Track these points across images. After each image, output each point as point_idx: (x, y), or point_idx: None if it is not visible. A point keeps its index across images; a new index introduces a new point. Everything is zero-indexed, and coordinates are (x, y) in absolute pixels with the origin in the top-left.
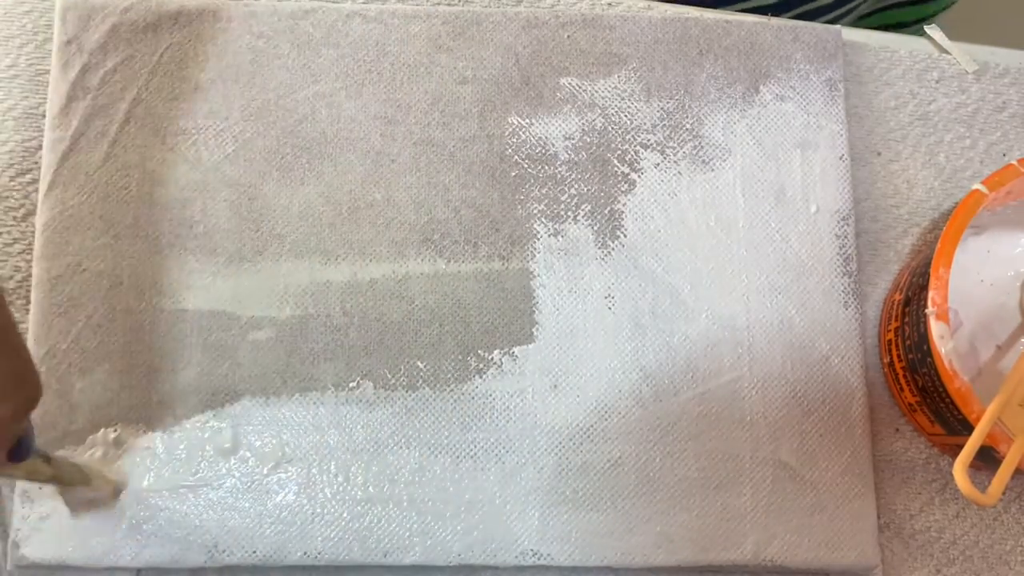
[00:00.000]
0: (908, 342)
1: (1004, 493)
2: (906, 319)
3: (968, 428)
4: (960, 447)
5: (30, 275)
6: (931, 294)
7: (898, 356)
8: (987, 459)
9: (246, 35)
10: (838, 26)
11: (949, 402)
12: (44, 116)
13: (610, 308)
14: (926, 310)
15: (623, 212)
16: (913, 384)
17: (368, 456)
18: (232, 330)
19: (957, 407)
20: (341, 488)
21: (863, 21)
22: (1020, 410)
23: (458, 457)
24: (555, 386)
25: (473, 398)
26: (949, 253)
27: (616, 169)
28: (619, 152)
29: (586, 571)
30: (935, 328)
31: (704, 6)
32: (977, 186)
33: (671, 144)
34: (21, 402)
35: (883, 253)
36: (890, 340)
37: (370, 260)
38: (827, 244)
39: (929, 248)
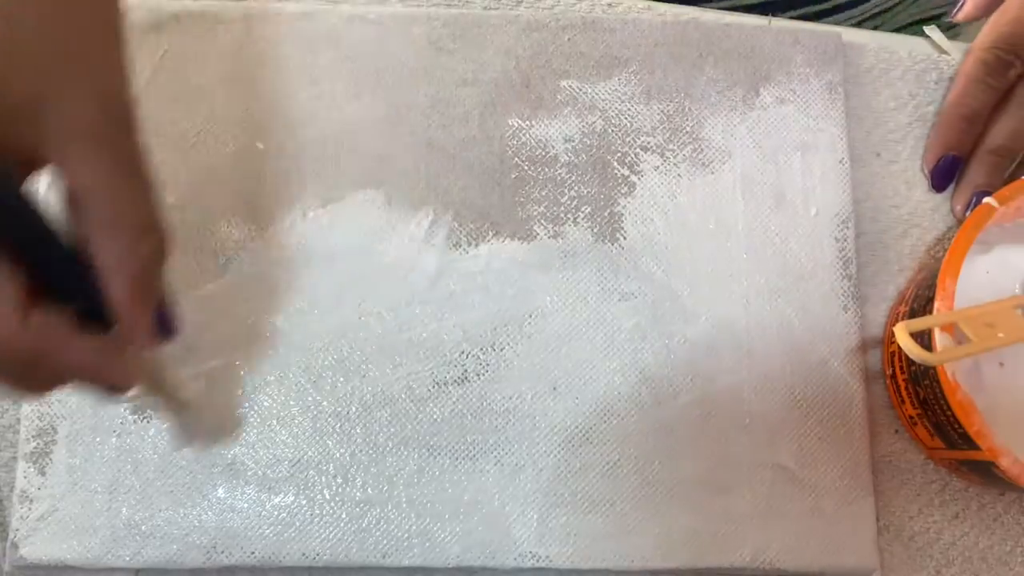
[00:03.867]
0: None
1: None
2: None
3: (968, 442)
4: (960, 462)
5: None
6: (937, 305)
7: (900, 368)
8: (988, 476)
9: (247, 37)
10: (839, 29)
11: (950, 415)
12: None
13: (610, 310)
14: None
15: (623, 214)
16: (915, 396)
17: (367, 457)
18: (229, 332)
19: (958, 419)
20: (340, 489)
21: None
22: (985, 327)
23: (457, 459)
24: (554, 388)
25: (472, 400)
26: (956, 265)
27: (616, 171)
28: (619, 155)
29: (585, 573)
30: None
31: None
32: (988, 200)
33: (671, 147)
34: (157, 243)
35: (883, 254)
36: (893, 352)
37: (371, 263)
38: (827, 247)
39: (935, 262)
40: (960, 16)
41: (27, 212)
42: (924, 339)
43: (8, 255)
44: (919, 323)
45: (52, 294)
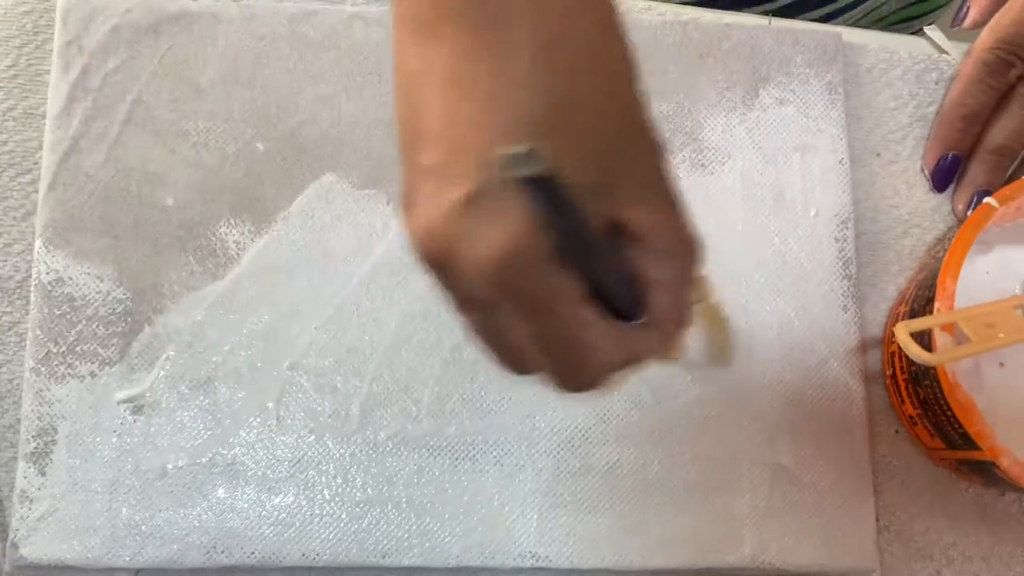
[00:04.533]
0: None
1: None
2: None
3: (968, 442)
4: (960, 462)
5: (30, 275)
6: (937, 305)
7: (901, 368)
8: (988, 476)
9: (247, 37)
10: (839, 29)
11: (950, 415)
12: (44, 116)
13: None
14: None
15: None
16: (915, 396)
17: (367, 457)
18: (229, 331)
19: (958, 419)
20: (340, 489)
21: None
22: (985, 327)
23: (457, 459)
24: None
25: (472, 399)
26: (956, 265)
27: None
28: None
29: (585, 573)
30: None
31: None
32: (988, 200)
33: (671, 147)
34: (694, 261)
35: (883, 254)
36: (893, 352)
37: (370, 263)
38: (826, 247)
39: (935, 261)
40: (967, 23)
41: (592, 242)
42: (924, 339)
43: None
44: (919, 323)
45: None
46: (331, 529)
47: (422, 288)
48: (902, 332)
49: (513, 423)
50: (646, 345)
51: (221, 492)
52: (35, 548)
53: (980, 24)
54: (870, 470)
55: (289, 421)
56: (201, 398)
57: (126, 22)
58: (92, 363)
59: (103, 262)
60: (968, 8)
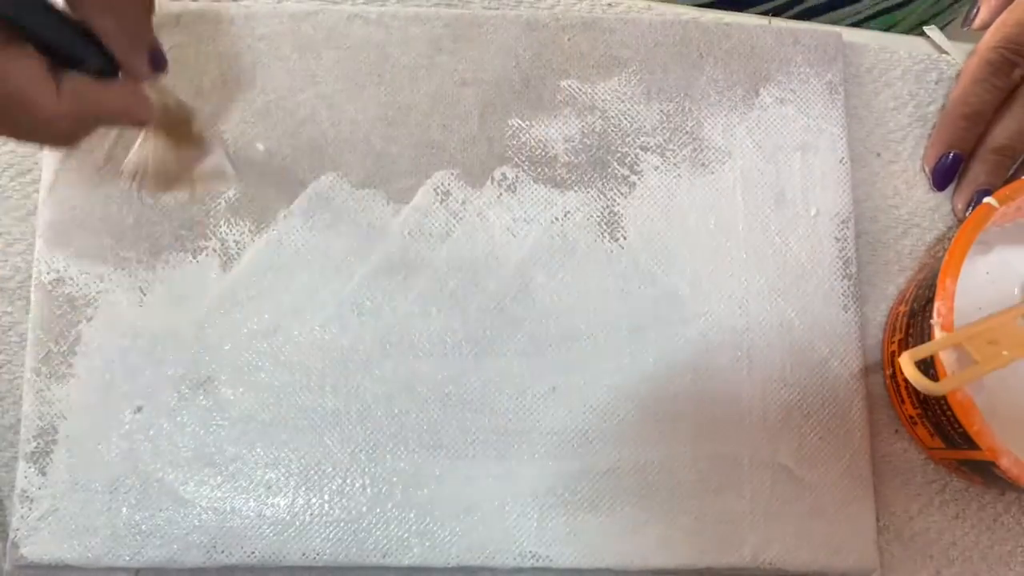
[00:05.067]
0: None
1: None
2: (910, 331)
3: (968, 442)
4: (960, 462)
5: (30, 275)
6: (937, 305)
7: (900, 369)
8: (988, 476)
9: (247, 37)
10: (839, 29)
11: (950, 415)
12: None
13: (609, 310)
14: (931, 320)
15: (623, 215)
16: (915, 396)
17: (367, 457)
18: (229, 331)
19: (958, 419)
20: (340, 489)
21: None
22: (988, 345)
23: (457, 459)
24: (554, 388)
25: (472, 399)
26: (956, 265)
27: (616, 171)
28: (619, 155)
29: (585, 573)
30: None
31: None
32: (988, 200)
33: (671, 147)
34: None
35: (883, 254)
36: (893, 352)
37: (370, 263)
38: (827, 247)
39: (935, 261)
40: (977, 23)
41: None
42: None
43: (25, 39)
44: (923, 351)
45: (67, 63)
46: (331, 529)
47: (422, 288)
48: (908, 363)
49: (513, 423)
50: (110, 97)
51: (221, 492)
52: (35, 548)
53: (989, 24)
54: (870, 470)
55: (289, 420)
56: (201, 398)
57: None
58: (93, 364)
59: (103, 262)
60: (979, 8)
